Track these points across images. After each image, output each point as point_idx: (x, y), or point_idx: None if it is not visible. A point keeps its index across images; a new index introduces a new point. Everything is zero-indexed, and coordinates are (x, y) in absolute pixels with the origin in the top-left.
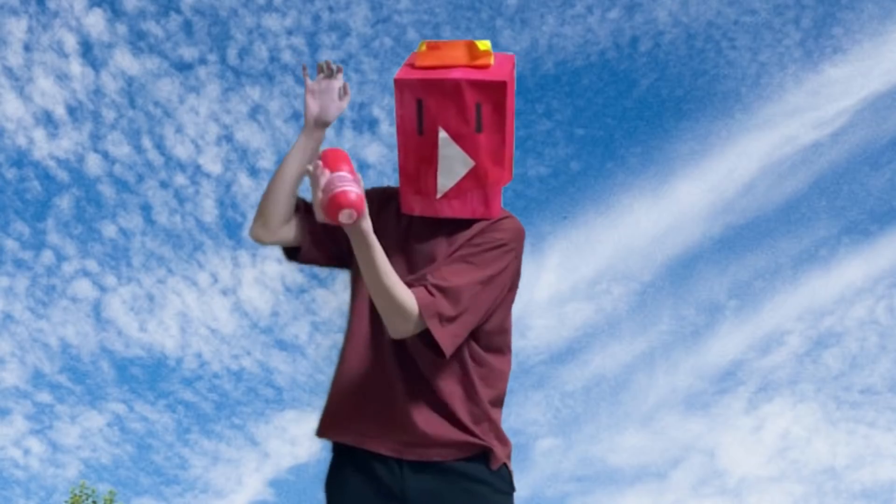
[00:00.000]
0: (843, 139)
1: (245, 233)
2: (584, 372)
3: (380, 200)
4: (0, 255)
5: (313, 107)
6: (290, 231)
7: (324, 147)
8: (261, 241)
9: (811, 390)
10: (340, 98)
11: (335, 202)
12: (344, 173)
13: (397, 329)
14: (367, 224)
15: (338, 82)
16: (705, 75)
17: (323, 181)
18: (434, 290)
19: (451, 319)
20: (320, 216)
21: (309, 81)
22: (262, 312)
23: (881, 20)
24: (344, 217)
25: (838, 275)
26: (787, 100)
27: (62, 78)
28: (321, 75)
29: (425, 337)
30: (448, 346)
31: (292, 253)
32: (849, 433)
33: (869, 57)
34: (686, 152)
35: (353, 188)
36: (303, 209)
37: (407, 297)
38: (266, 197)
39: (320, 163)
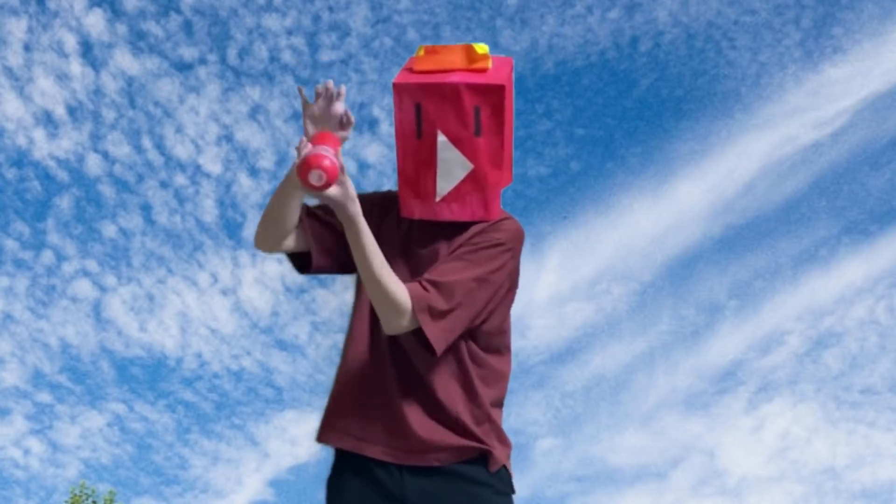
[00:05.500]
0: (843, 139)
1: (245, 232)
2: (584, 372)
3: (382, 206)
4: (0, 255)
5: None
6: (293, 241)
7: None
8: (265, 251)
9: (811, 390)
10: (343, 126)
11: (306, 162)
12: (325, 146)
13: (391, 324)
14: (356, 209)
15: (339, 107)
16: (705, 75)
17: (304, 151)
18: (428, 285)
19: (443, 314)
20: (296, 182)
21: (307, 104)
22: (262, 312)
23: (881, 20)
24: (314, 178)
25: (838, 275)
26: (787, 100)
27: (62, 78)
28: (320, 99)
29: (419, 335)
30: (438, 342)
31: (303, 265)
32: (849, 433)
33: (869, 57)
34: (686, 152)
35: (328, 155)
36: (305, 218)
37: (400, 291)
38: (269, 210)
39: (305, 139)
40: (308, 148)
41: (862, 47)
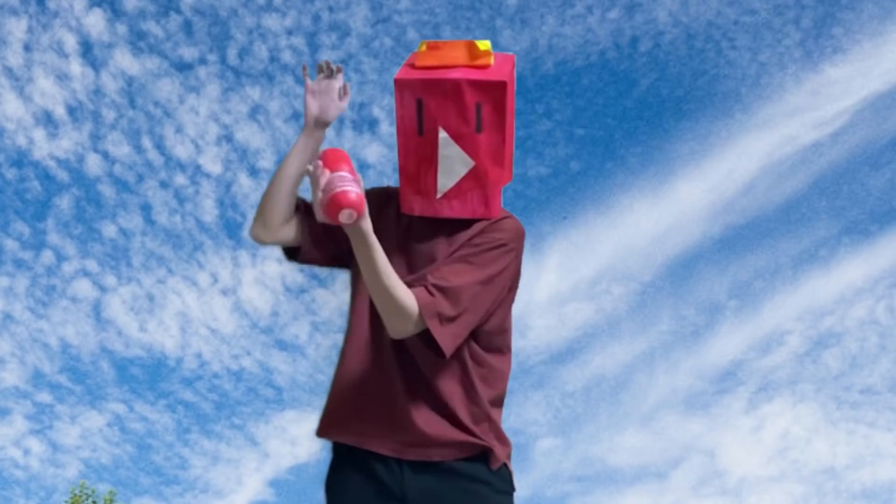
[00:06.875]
0: (843, 139)
1: (245, 233)
2: (584, 372)
3: (380, 200)
4: (0, 255)
5: (313, 107)
6: (290, 231)
7: (323, 147)
8: (261, 241)
9: (811, 390)
10: (340, 98)
11: (335, 202)
12: (344, 173)
13: (397, 329)
14: (368, 224)
15: (338, 82)
16: (705, 75)
17: (323, 181)
18: (434, 290)
19: (451, 319)
20: (320, 216)
21: (309, 81)
22: (262, 312)
23: (881, 20)
24: (344, 217)
25: (838, 275)
26: (787, 100)
27: (62, 78)
28: (321, 75)
29: (425, 337)
30: (448, 347)
31: (292, 253)
32: (849, 433)
33: (869, 57)
34: (686, 152)
35: (353, 188)
36: (303, 209)
37: (407, 297)
38: (266, 197)
39: (320, 162)
40: (326, 176)
41: (862, 47)
